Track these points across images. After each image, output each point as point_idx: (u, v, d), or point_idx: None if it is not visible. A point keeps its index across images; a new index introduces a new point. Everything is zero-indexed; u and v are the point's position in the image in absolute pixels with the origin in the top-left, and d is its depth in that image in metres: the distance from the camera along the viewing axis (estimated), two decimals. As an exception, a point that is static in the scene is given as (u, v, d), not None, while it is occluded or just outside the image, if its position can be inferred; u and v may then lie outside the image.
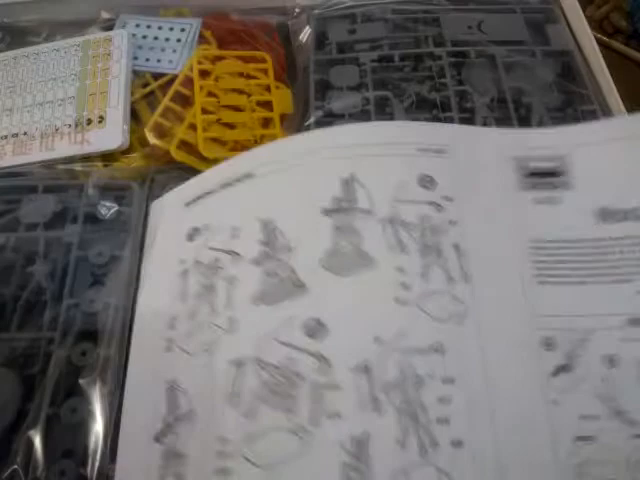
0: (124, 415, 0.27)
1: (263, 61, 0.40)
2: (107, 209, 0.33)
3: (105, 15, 0.43)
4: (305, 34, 0.41)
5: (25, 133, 0.38)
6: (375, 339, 0.25)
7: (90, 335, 0.29)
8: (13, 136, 0.38)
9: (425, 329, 0.25)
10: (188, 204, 0.32)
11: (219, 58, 0.40)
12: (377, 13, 0.41)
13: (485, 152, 0.31)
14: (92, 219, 0.33)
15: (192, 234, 0.31)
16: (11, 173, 0.36)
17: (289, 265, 0.27)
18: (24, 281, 0.31)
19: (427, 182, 0.29)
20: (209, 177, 0.33)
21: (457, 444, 0.23)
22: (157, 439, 0.25)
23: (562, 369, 0.25)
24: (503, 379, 0.24)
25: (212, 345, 0.26)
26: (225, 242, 0.29)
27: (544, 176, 0.30)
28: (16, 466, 0.26)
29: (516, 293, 0.27)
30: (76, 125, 0.37)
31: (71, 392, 0.28)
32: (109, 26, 0.42)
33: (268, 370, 0.25)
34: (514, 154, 0.31)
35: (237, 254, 0.28)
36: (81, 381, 0.28)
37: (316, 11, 0.42)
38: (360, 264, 0.27)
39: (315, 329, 0.25)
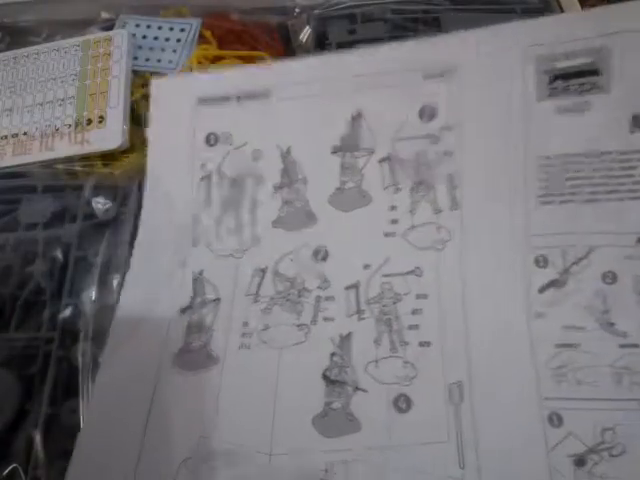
0: (148, 301, 0.30)
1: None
2: (106, 209, 0.33)
3: (105, 15, 0.43)
4: (305, 34, 0.41)
5: (25, 133, 0.38)
6: (364, 265, 0.29)
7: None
8: (13, 136, 0.38)
9: (407, 257, 0.29)
10: (202, 101, 0.34)
11: (219, 58, 0.40)
12: (377, 13, 0.41)
13: (501, 59, 0.30)
14: (91, 219, 0.33)
15: (210, 139, 0.33)
16: (11, 173, 0.36)
17: (305, 197, 0.32)
18: (23, 281, 0.31)
19: (429, 113, 0.31)
20: (223, 81, 0.35)
21: (425, 344, 0.27)
22: (183, 312, 0.30)
23: (552, 284, 0.27)
24: (481, 295, 0.27)
25: (238, 252, 0.31)
26: (248, 162, 0.33)
27: (571, 78, 0.28)
28: (16, 465, 0.26)
29: (512, 215, 0.28)
30: (76, 125, 0.37)
31: (71, 392, 0.28)
32: (109, 26, 0.42)
33: (283, 282, 0.30)
34: (537, 52, 0.29)
35: (261, 177, 0.32)
36: (81, 381, 0.28)
37: (316, 11, 0.41)
38: (359, 202, 0.31)
39: (321, 254, 0.30)
